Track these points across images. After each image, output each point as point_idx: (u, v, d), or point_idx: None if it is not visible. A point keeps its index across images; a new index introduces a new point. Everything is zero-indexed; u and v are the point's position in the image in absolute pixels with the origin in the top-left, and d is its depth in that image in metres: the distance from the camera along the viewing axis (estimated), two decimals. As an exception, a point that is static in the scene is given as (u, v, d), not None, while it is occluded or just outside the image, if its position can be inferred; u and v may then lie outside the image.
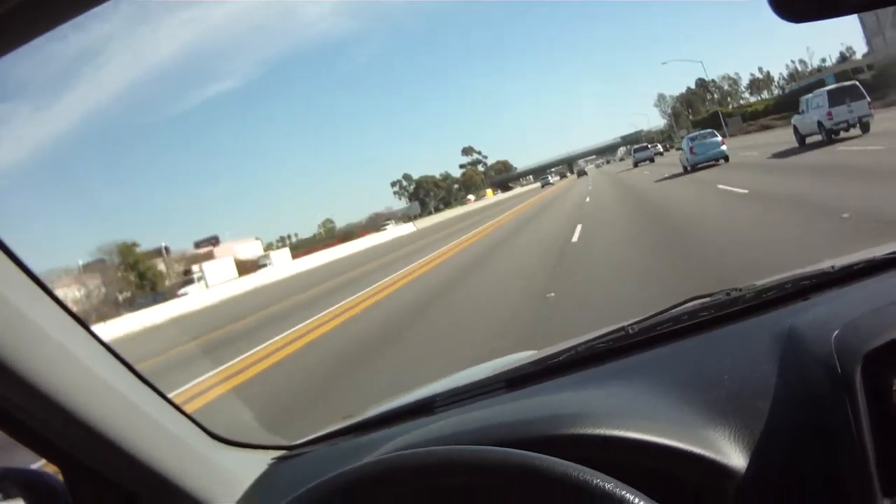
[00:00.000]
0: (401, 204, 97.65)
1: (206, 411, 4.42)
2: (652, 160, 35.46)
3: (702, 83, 69.68)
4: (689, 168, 17.10)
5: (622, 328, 0.99)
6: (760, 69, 66.07)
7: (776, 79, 64.80)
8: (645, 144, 42.86)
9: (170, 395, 0.84)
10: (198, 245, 55.51)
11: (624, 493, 0.54)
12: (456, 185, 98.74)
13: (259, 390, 5.23)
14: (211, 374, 6.44)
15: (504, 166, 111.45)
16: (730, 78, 65.99)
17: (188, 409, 0.88)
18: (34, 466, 0.80)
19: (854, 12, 0.56)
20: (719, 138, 17.12)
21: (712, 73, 72.72)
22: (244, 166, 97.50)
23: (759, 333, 0.86)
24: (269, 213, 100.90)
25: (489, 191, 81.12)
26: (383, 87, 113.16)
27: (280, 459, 1.03)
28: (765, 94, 63.13)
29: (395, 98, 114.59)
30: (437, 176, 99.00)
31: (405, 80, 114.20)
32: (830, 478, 0.68)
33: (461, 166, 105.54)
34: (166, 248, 45.01)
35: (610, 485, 0.55)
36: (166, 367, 7.83)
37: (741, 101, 64.48)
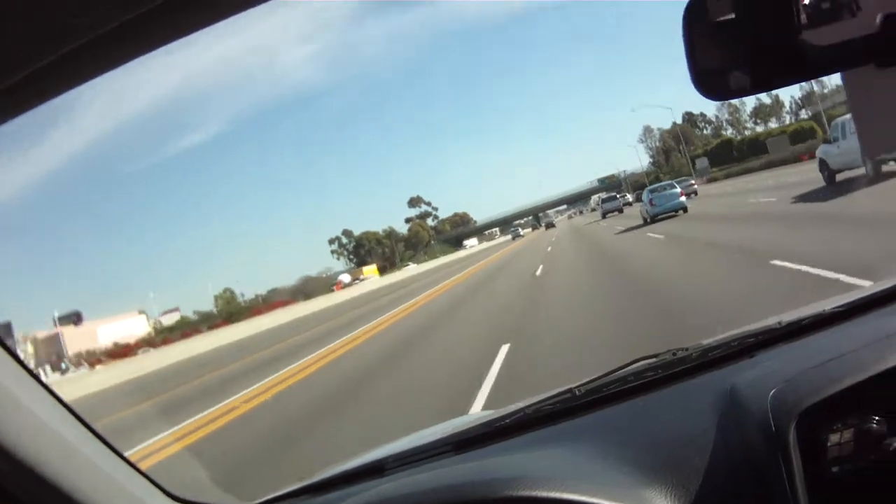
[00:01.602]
0: (339, 265, 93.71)
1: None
2: (621, 211, 37.78)
3: (689, 117, 70.38)
4: (648, 220, 20.01)
5: (569, 390, 1.17)
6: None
7: (787, 103, 65.36)
8: (613, 194, 46.35)
9: None
10: (60, 321, 49.37)
11: None
12: (401, 243, 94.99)
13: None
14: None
15: (461, 219, 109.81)
16: (731, 105, 66.67)
17: None
18: None
19: (756, 93, 0.70)
20: (678, 190, 20.13)
21: (702, 108, 74.30)
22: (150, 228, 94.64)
23: (702, 392, 1.03)
24: (175, 279, 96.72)
25: (367, 269, 71.50)
26: (325, 139, 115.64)
27: None
28: (772, 123, 64.62)
29: (341, 148, 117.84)
30: (381, 232, 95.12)
31: (352, 129, 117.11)
32: None
33: (407, 220, 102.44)
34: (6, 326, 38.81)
35: None
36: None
37: (746, 132, 65.84)
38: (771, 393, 0.86)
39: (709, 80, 0.66)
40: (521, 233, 74.12)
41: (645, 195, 21.84)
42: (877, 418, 0.83)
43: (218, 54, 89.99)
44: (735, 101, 59.64)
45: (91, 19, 0.61)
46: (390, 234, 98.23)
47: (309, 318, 29.02)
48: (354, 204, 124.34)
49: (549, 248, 23.54)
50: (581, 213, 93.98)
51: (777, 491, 0.79)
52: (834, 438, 0.82)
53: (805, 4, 0.62)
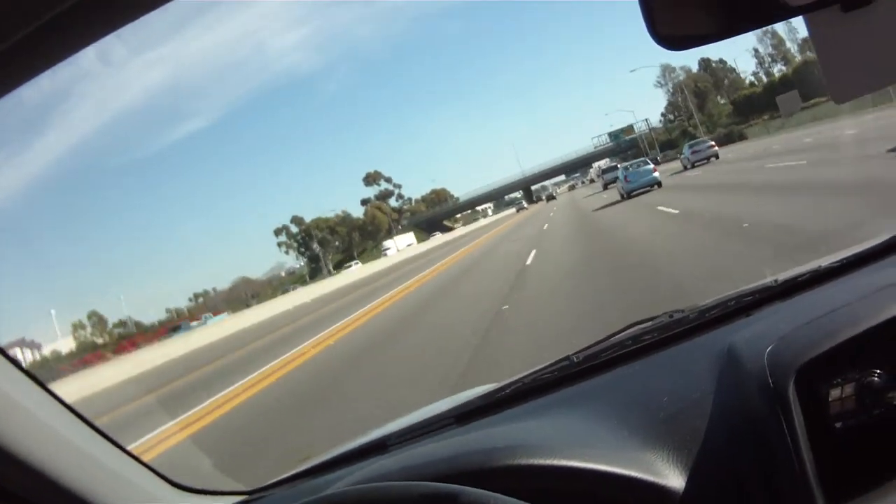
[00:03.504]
0: (289, 260, 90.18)
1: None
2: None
3: (706, 65, 68.26)
4: (624, 195, 25.18)
5: (567, 357, 1.40)
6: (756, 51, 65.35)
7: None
8: (615, 164, 48.57)
9: None
10: None
11: None
12: (356, 231, 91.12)
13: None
14: None
15: (438, 196, 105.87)
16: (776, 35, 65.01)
17: None
18: None
19: (724, 38, 0.80)
20: (651, 166, 25.42)
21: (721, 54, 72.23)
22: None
23: (699, 353, 1.22)
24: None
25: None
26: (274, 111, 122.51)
27: None
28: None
29: (291, 121, 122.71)
30: (335, 216, 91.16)
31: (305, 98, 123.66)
32: (770, 493, 0.92)
33: (364, 202, 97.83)
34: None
35: None
36: None
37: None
38: (768, 350, 1.01)
39: (668, 27, 0.73)
40: (526, 205, 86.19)
41: (620, 172, 28.08)
42: (878, 372, 0.96)
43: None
44: (781, 31, 59.44)
45: None
46: (344, 219, 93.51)
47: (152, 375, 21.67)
48: (310, 184, 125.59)
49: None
50: (583, 183, 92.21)
51: (779, 448, 0.92)
52: (835, 393, 0.95)
53: None
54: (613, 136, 78.03)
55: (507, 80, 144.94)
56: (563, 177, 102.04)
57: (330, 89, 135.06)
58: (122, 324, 67.02)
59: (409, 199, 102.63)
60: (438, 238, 76.47)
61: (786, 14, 0.73)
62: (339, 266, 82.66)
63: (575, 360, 1.39)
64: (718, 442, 1.01)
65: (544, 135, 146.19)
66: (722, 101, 65.06)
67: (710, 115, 63.58)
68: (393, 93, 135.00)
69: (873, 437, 0.95)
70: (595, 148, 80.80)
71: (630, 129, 76.96)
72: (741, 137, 45.84)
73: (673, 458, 1.00)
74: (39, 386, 1.07)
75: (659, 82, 76.83)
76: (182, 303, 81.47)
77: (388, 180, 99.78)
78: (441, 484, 0.87)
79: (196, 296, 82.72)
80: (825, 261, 1.40)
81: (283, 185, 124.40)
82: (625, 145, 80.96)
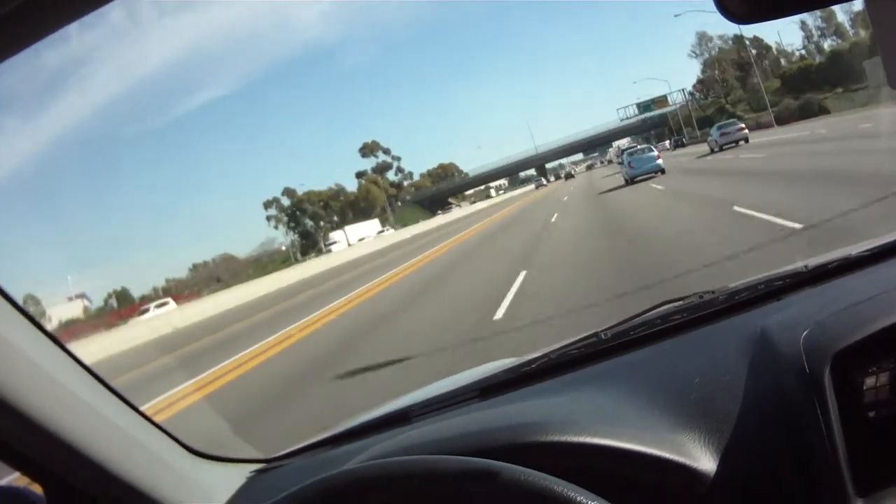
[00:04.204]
0: (279, 235, 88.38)
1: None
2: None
3: (737, 41, 64.78)
4: (627, 181, 28.23)
5: (595, 334, 1.48)
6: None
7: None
8: (635, 145, 48.38)
9: None
10: None
11: (579, 497, 0.83)
12: (349, 208, 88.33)
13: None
14: None
15: (445, 171, 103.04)
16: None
17: None
18: (8, 481, 1.17)
19: (799, 13, 0.85)
20: (655, 153, 28.24)
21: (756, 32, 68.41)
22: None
23: (731, 335, 1.29)
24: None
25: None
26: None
27: (258, 472, 1.48)
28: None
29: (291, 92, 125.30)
30: (328, 190, 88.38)
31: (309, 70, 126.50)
32: (802, 479, 0.98)
33: (359, 175, 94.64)
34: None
35: (564, 489, 0.84)
36: None
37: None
38: (803, 335, 1.06)
39: (735, 8, 0.77)
40: (545, 182, 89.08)
41: (624, 157, 30.73)
42: None
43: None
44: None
45: None
46: (339, 192, 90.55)
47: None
48: (315, 156, 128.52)
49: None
50: (601, 163, 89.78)
51: (813, 435, 0.97)
52: (869, 382, 1.01)
53: None
54: (643, 107, 72.64)
55: (525, 47, 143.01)
56: (580, 155, 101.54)
57: (347, 62, 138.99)
58: (111, 296, 66.28)
59: (410, 174, 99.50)
60: (438, 219, 72.03)
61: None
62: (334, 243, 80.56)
63: (603, 336, 1.47)
64: (751, 425, 1.06)
65: (563, 108, 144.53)
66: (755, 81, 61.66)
67: (755, 90, 60.02)
68: (403, 64, 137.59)
69: None
70: (620, 121, 76.86)
71: (664, 100, 71.46)
72: (822, 111, 42.45)
73: (704, 441, 1.05)
74: (53, 342, 1.13)
75: (693, 52, 73.41)
76: (184, 273, 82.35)
77: (387, 151, 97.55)
78: (480, 459, 0.91)
79: (196, 266, 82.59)
80: (854, 249, 1.48)
81: (287, 156, 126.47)
82: (651, 123, 77.95)
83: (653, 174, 27.05)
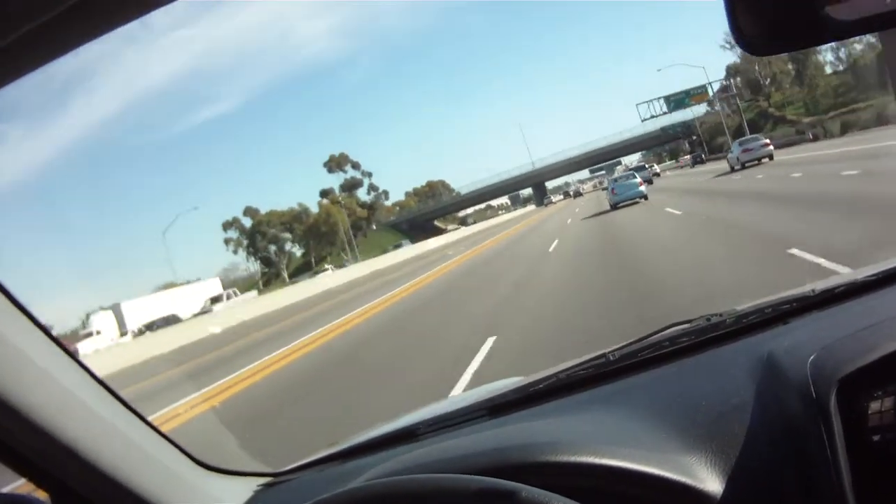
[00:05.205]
0: (240, 260, 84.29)
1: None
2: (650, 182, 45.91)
3: None
4: (611, 206, 33.16)
5: (603, 355, 1.61)
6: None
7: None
8: (643, 164, 49.75)
9: None
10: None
11: None
12: (308, 233, 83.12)
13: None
14: None
15: (432, 189, 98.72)
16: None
17: None
18: (12, 488, 1.26)
19: (810, 46, 0.93)
20: (638, 180, 32.95)
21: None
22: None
23: (738, 359, 1.42)
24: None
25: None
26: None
27: (266, 486, 1.59)
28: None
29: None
30: (289, 210, 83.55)
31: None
32: (807, 503, 1.08)
33: (324, 193, 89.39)
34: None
35: None
36: None
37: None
38: (810, 359, 1.17)
39: (753, 28, 0.85)
40: (555, 200, 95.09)
41: (608, 184, 35.43)
42: None
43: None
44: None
45: None
46: (300, 215, 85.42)
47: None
48: (270, 171, 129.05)
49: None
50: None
51: (818, 459, 1.07)
52: (874, 406, 1.10)
53: None
54: (675, 101, 62.13)
55: (524, 45, 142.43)
56: (586, 173, 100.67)
57: (332, 74, 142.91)
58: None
59: (385, 192, 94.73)
60: (401, 251, 60.42)
61: (861, 29, 0.84)
62: (299, 273, 76.19)
63: (611, 357, 1.60)
64: (757, 449, 1.17)
65: (568, 113, 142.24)
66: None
67: (811, 89, 54.26)
68: (390, 76, 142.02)
69: None
70: (642, 122, 65.81)
71: (702, 92, 61.37)
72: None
73: (711, 463, 1.16)
74: (63, 351, 1.25)
75: (727, 42, 61.59)
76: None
77: (356, 166, 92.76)
78: (498, 480, 1.02)
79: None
80: (861, 273, 1.62)
81: (252, 170, 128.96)
82: (673, 132, 68.13)
83: (636, 200, 31.47)
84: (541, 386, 1.61)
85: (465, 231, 76.89)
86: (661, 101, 61.73)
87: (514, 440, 1.29)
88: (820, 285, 1.60)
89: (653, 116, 63.19)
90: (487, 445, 1.29)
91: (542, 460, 1.17)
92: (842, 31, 0.83)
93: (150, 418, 1.41)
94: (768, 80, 63.08)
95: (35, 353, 1.17)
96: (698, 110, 65.67)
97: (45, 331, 1.20)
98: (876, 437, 1.08)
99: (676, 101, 61.46)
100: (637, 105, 77.88)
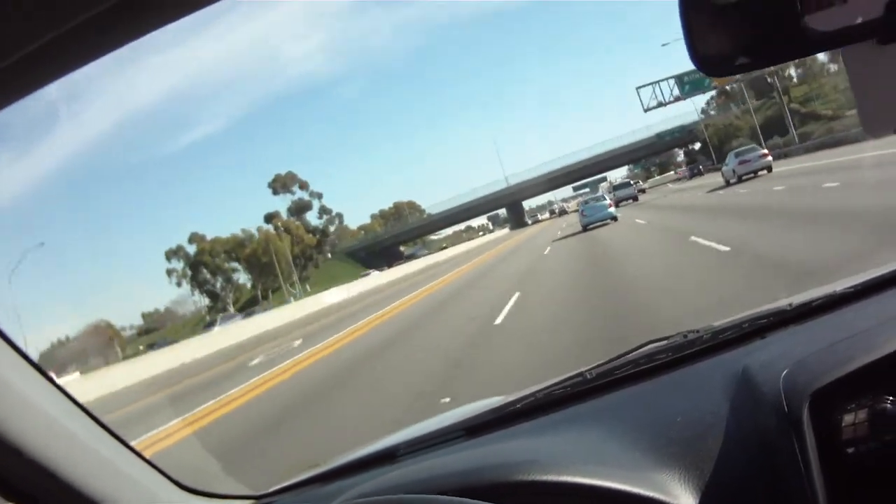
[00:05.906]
0: (184, 294, 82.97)
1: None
2: (635, 199, 49.66)
3: None
4: (582, 228, 36.77)
5: (580, 373, 1.72)
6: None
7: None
8: (627, 180, 50.54)
9: None
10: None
11: None
12: (246, 262, 78.56)
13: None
14: None
15: (398, 211, 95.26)
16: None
17: None
18: None
19: (756, 69, 0.96)
20: (608, 201, 37.19)
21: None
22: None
23: (714, 375, 1.50)
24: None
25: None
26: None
27: None
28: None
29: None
30: (234, 237, 79.08)
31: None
32: None
33: (267, 218, 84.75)
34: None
35: None
36: None
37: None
38: (783, 374, 1.25)
39: (709, 60, 0.91)
40: (541, 217, 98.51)
41: (580, 206, 39.71)
42: (891, 398, 1.16)
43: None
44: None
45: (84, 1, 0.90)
46: (243, 242, 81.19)
47: None
48: (214, 195, 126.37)
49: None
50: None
51: (791, 472, 1.13)
52: (848, 419, 1.16)
53: None
54: (689, 82, 52.60)
55: (499, 53, 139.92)
56: (569, 190, 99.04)
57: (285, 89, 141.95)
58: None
59: (339, 215, 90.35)
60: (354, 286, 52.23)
61: (822, 46, 0.89)
62: (248, 307, 71.96)
63: (588, 376, 1.71)
64: (732, 464, 1.24)
65: (547, 124, 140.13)
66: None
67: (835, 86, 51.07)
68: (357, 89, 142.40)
69: (884, 465, 1.15)
70: (645, 110, 57.84)
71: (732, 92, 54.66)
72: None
73: (686, 479, 1.23)
74: (44, 377, 1.32)
75: None
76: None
77: (304, 186, 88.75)
78: (473, 501, 1.11)
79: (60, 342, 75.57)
80: (839, 285, 1.72)
81: (196, 194, 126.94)
82: (670, 139, 63.11)
83: (605, 222, 35.12)
84: (518, 406, 1.72)
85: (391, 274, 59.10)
86: (672, 82, 53.70)
87: (491, 460, 1.37)
88: (797, 299, 1.72)
89: (660, 104, 55.61)
90: (464, 466, 1.38)
91: (519, 480, 1.25)
92: (819, 45, 0.86)
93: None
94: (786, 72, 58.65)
95: (15, 378, 1.23)
96: (700, 102, 62.07)
97: (26, 356, 1.27)
98: (850, 450, 1.15)
99: (692, 83, 52.43)
100: (638, 89, 58.02)
